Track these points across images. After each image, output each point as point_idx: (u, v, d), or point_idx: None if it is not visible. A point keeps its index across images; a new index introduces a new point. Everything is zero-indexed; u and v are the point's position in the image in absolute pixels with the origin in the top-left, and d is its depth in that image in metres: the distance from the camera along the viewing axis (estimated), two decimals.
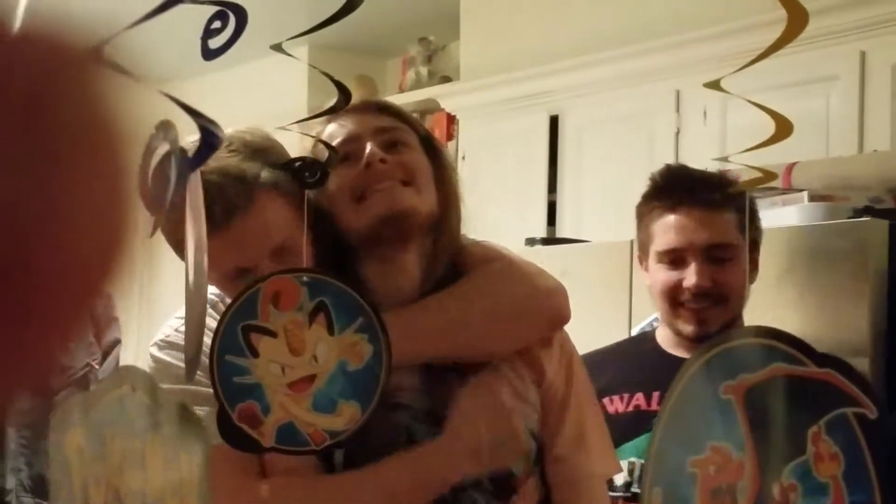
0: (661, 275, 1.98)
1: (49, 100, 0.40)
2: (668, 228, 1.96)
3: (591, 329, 2.95)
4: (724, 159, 0.85)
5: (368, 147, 1.38)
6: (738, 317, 1.94)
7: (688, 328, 1.97)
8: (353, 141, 1.40)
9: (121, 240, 0.44)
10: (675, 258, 1.96)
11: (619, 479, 1.96)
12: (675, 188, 1.98)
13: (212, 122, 0.64)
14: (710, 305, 1.93)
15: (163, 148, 0.65)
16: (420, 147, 1.45)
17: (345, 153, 1.38)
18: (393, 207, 1.38)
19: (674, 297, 1.96)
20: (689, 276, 1.93)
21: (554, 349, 1.50)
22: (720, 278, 1.92)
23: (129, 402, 0.76)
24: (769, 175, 0.83)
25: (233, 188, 1.29)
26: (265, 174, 1.31)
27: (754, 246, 1.97)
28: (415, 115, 5.29)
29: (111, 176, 0.43)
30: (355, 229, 1.40)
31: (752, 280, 1.94)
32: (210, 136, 0.63)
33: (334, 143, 1.36)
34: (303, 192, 1.20)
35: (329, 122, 1.42)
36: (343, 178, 1.38)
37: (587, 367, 1.79)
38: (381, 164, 1.38)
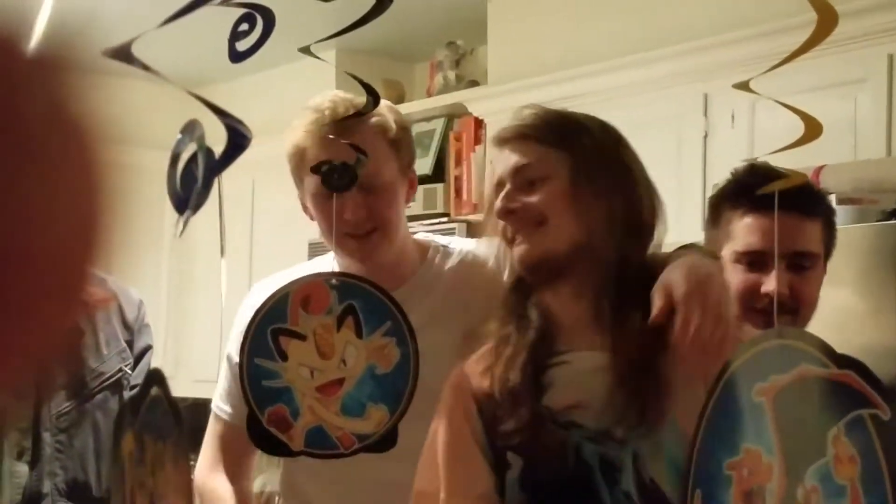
0: (737, 275, 1.89)
1: (12, 99, 0.41)
2: (752, 229, 1.87)
3: None
4: (754, 160, 0.84)
5: (504, 191, 1.45)
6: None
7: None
8: (499, 184, 1.46)
9: (96, 230, 0.45)
10: (755, 260, 1.88)
11: None
12: (761, 188, 1.92)
13: (239, 121, 0.64)
14: (782, 313, 1.84)
15: (190, 148, 0.66)
16: (568, 175, 1.47)
17: (497, 189, 1.47)
18: (525, 259, 1.43)
19: (747, 301, 1.88)
20: (770, 282, 1.85)
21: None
22: (798, 287, 1.86)
23: (156, 405, 0.77)
24: (797, 176, 0.83)
25: None
26: None
27: (829, 255, 1.93)
28: (443, 119, 5.22)
29: (82, 169, 0.44)
30: (514, 269, 1.47)
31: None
32: (237, 136, 0.63)
33: (491, 181, 1.48)
34: None
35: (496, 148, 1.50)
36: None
37: None
38: (509, 212, 1.43)
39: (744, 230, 1.89)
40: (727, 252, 1.92)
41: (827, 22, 0.68)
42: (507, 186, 1.44)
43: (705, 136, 3.90)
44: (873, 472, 0.77)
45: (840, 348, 0.85)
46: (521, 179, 1.44)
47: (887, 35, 3.35)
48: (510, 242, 1.44)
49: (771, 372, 0.85)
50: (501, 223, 1.44)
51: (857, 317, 2.36)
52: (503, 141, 1.48)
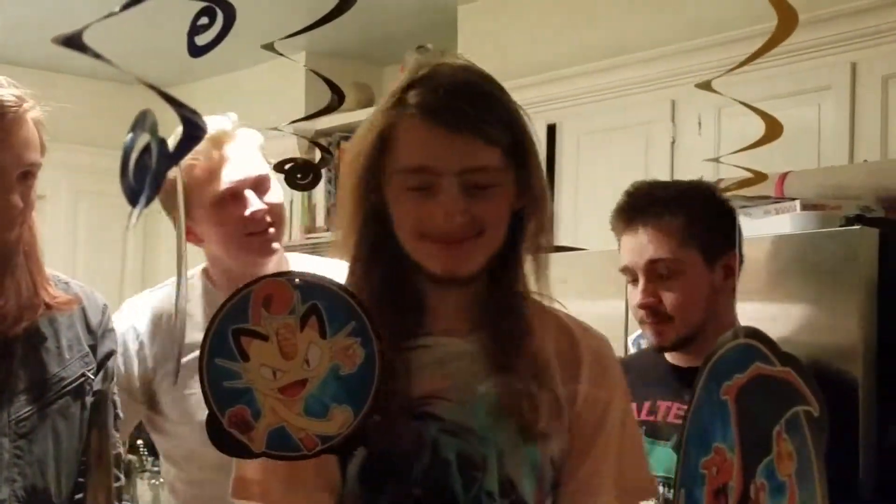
0: (628, 291, 2.05)
1: None
2: (624, 248, 2.03)
3: None
4: (716, 160, 0.85)
5: (449, 196, 1.30)
6: (697, 329, 1.95)
7: (651, 341, 2.03)
8: (436, 175, 1.31)
9: None
10: (632, 277, 2.01)
11: None
12: (628, 207, 2.03)
13: (194, 112, 0.63)
14: (660, 320, 1.97)
15: (143, 139, 0.65)
16: (512, 178, 1.35)
17: (421, 182, 1.31)
18: (452, 272, 1.34)
19: (637, 315, 2.02)
20: (639, 294, 1.98)
21: (583, 385, 1.42)
22: (666, 299, 1.95)
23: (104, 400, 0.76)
24: (760, 176, 0.83)
25: None
26: None
27: (721, 252, 1.96)
28: None
29: None
30: (410, 259, 1.36)
31: (731, 286, 1.94)
32: (192, 128, 0.62)
33: (411, 161, 1.32)
34: None
35: (414, 132, 1.33)
36: (413, 207, 1.33)
37: None
38: (456, 221, 1.31)
39: (622, 249, 2.03)
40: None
41: (787, 21, 0.68)
42: (453, 189, 1.32)
43: (672, 142, 3.92)
44: (806, 467, 0.78)
45: (801, 350, 0.86)
46: (468, 183, 1.32)
47: (850, 43, 3.39)
48: (421, 237, 1.33)
49: (734, 371, 0.86)
50: (420, 214, 1.32)
51: (819, 319, 2.38)
52: (452, 126, 1.33)
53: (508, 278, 1.40)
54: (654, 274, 1.96)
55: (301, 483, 1.29)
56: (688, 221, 1.94)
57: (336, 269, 1.31)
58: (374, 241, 1.36)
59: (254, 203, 1.98)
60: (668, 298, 1.95)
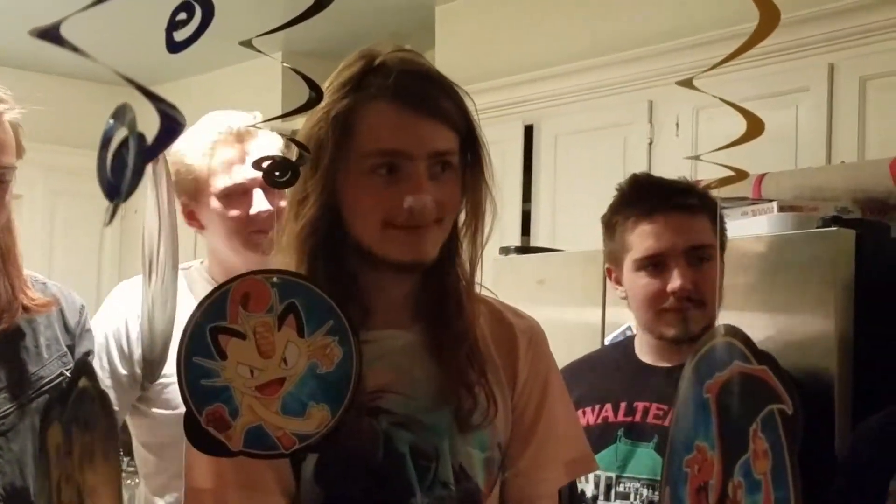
0: (641, 282, 1.97)
1: None
2: (647, 235, 1.95)
3: (566, 337, 2.95)
4: (697, 157, 0.85)
5: (420, 180, 1.28)
6: (715, 318, 1.93)
7: (671, 331, 1.95)
8: (406, 159, 1.29)
9: None
10: (656, 263, 1.95)
11: (588, 492, 1.96)
12: (648, 195, 1.98)
13: (172, 106, 0.62)
14: (691, 307, 1.93)
15: (121, 133, 0.64)
16: (461, 165, 1.35)
17: (389, 166, 1.29)
18: (419, 259, 1.32)
19: (657, 304, 1.95)
20: (674, 280, 1.92)
21: (522, 367, 1.44)
22: (699, 280, 1.91)
23: (86, 396, 0.75)
24: (741, 174, 0.83)
25: None
26: None
27: (722, 249, 1.98)
28: None
29: None
30: (366, 246, 1.32)
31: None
32: (170, 122, 0.62)
33: (383, 144, 1.28)
34: None
35: (389, 116, 1.29)
36: (377, 192, 1.29)
37: (566, 377, 1.76)
38: (427, 206, 1.29)
39: (639, 237, 1.96)
40: (628, 262, 1.99)
41: (769, 18, 0.68)
42: (422, 175, 1.30)
43: (650, 143, 3.93)
44: (780, 466, 0.78)
45: (778, 350, 0.86)
46: (436, 167, 1.32)
47: (828, 45, 3.41)
48: (385, 224, 1.30)
49: (715, 369, 0.86)
50: (387, 200, 1.29)
51: (796, 320, 2.39)
52: (421, 109, 1.32)
53: (448, 268, 1.38)
54: (694, 259, 1.92)
55: (256, 488, 1.27)
56: (714, 210, 1.94)
57: None
58: (322, 232, 1.32)
59: (260, 203, 2.00)
60: (707, 280, 1.91)
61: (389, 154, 1.29)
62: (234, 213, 2.00)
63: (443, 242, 1.35)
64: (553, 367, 1.51)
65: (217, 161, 2.00)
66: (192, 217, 2.08)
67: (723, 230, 2.02)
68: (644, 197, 1.98)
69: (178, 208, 2.07)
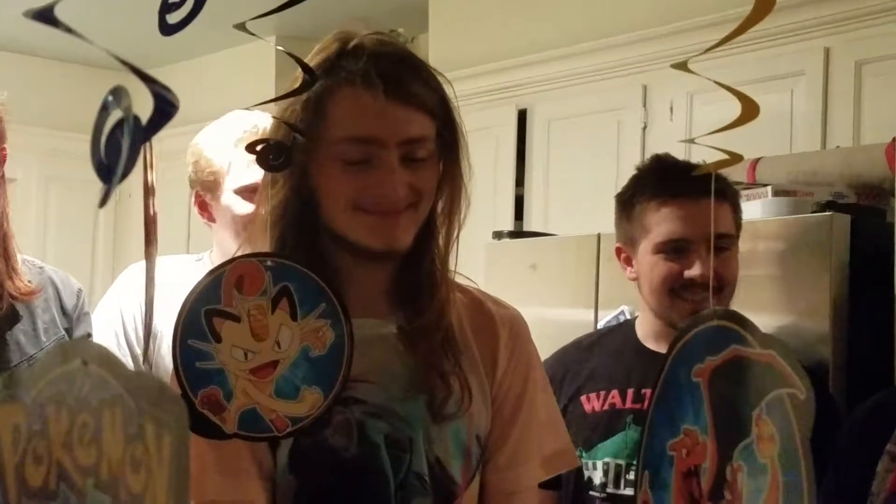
0: (660, 266, 1.92)
1: None
2: (670, 218, 1.90)
3: (558, 321, 2.96)
4: (692, 141, 0.84)
5: (393, 166, 1.27)
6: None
7: (683, 317, 1.89)
8: (378, 145, 1.27)
9: None
10: (677, 248, 1.91)
11: (597, 479, 1.95)
12: (672, 178, 1.92)
13: (166, 88, 0.62)
14: (707, 296, 1.87)
15: (116, 115, 0.64)
16: (438, 152, 1.33)
17: (362, 152, 1.27)
18: (391, 245, 1.30)
19: (673, 288, 1.91)
20: (695, 267, 1.88)
21: (502, 357, 1.42)
22: (720, 268, 1.87)
23: (80, 376, 0.74)
24: (735, 157, 0.83)
25: None
26: None
27: (737, 237, 1.97)
28: None
29: None
30: (339, 232, 1.31)
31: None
32: (164, 103, 0.61)
33: (356, 131, 1.27)
34: None
35: (356, 101, 1.27)
36: (349, 178, 1.28)
37: (559, 362, 1.75)
38: (399, 193, 1.27)
39: (661, 220, 1.91)
40: (646, 244, 1.94)
41: (764, 2, 0.68)
42: (395, 163, 1.28)
43: (644, 128, 3.93)
44: (790, 451, 0.78)
45: (775, 335, 0.86)
46: (408, 153, 1.30)
47: (823, 29, 3.40)
48: (355, 208, 1.29)
49: (707, 353, 0.86)
50: (357, 185, 1.27)
51: (790, 305, 2.39)
52: (395, 94, 1.29)
53: (424, 255, 1.37)
54: (717, 246, 1.87)
55: (236, 474, 1.27)
56: (734, 200, 1.92)
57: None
58: (290, 217, 1.30)
59: None
60: (728, 268, 1.89)
61: (361, 140, 1.27)
62: (246, 210, 1.99)
63: (418, 229, 1.33)
64: (535, 358, 1.48)
65: (238, 158, 2.01)
66: (203, 208, 2.10)
67: (740, 218, 1.99)
68: (667, 179, 1.93)
69: (193, 198, 2.11)
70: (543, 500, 1.76)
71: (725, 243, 1.90)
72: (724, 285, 1.89)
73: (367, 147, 1.27)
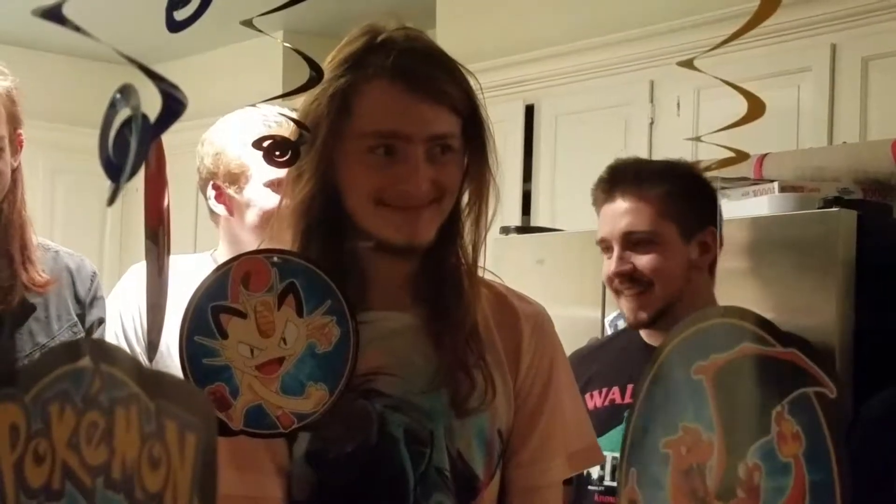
0: (603, 264, 2.03)
1: None
2: (600, 219, 2.03)
3: (566, 316, 2.95)
4: (698, 139, 0.84)
5: (418, 162, 1.27)
6: (675, 301, 1.94)
7: (628, 315, 2.00)
8: (404, 141, 1.27)
9: None
10: (606, 247, 2.01)
11: (594, 473, 1.97)
12: (609, 178, 2.03)
13: (174, 86, 0.62)
14: (640, 291, 1.95)
15: (124, 113, 0.64)
16: (464, 148, 1.34)
17: (387, 146, 1.28)
18: (412, 240, 1.30)
19: (612, 286, 2.01)
20: (610, 264, 1.98)
21: (525, 352, 1.42)
22: (640, 263, 1.95)
23: (90, 375, 0.74)
24: (741, 155, 0.83)
25: None
26: None
27: (692, 229, 1.97)
28: None
29: None
30: (362, 226, 1.31)
31: (709, 261, 1.95)
32: (172, 102, 0.61)
33: (382, 126, 1.27)
34: None
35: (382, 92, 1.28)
36: (373, 172, 1.28)
37: (574, 363, 1.75)
38: (423, 188, 1.28)
39: (600, 220, 2.04)
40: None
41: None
42: (420, 159, 1.28)
43: (651, 123, 3.93)
44: (819, 450, 0.77)
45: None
46: (435, 149, 1.30)
47: (830, 24, 3.39)
48: (377, 202, 1.29)
49: (712, 350, 0.85)
50: (382, 180, 1.28)
51: (797, 301, 2.39)
52: (422, 94, 1.31)
53: (449, 250, 1.37)
54: (630, 242, 1.96)
55: (251, 468, 1.27)
56: (667, 193, 1.95)
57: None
58: (316, 211, 1.31)
59: None
60: (645, 263, 1.95)
61: (386, 136, 1.28)
62: (271, 204, 1.95)
63: (442, 224, 1.34)
64: (560, 353, 1.47)
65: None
66: (220, 198, 2.06)
67: (703, 210, 1.98)
68: (605, 181, 2.06)
69: (208, 190, 2.08)
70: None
71: (643, 239, 1.96)
72: (650, 280, 1.95)
73: (393, 142, 1.28)
